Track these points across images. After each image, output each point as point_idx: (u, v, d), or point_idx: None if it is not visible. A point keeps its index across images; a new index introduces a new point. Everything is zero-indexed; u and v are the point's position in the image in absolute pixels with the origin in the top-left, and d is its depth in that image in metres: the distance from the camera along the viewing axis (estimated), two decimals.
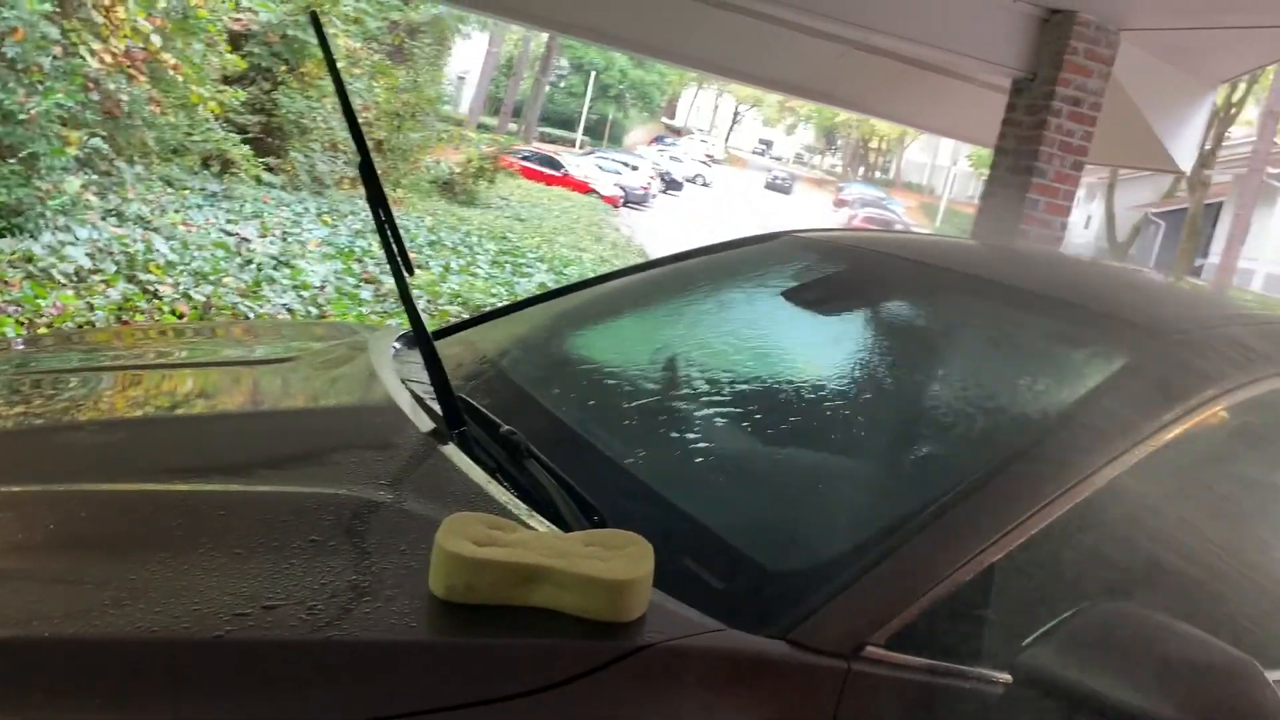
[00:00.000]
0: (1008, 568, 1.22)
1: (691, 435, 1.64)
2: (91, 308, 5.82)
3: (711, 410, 1.70)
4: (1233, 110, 22.98)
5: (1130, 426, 1.32)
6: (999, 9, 5.67)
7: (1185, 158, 6.64)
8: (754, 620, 1.14)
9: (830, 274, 2.07)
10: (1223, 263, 22.90)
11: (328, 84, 13.93)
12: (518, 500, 1.35)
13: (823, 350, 1.87)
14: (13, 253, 6.31)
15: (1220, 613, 1.36)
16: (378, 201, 1.55)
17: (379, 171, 1.59)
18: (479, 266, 11.13)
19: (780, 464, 1.57)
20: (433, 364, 1.50)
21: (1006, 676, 1.18)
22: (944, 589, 1.18)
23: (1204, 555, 1.40)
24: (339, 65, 1.63)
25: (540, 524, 1.29)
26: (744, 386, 1.77)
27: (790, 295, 2.04)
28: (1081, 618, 1.18)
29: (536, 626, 1.06)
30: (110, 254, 6.96)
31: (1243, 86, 21.80)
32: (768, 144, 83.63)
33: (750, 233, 2.43)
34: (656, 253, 19.33)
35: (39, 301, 5.57)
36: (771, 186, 52.88)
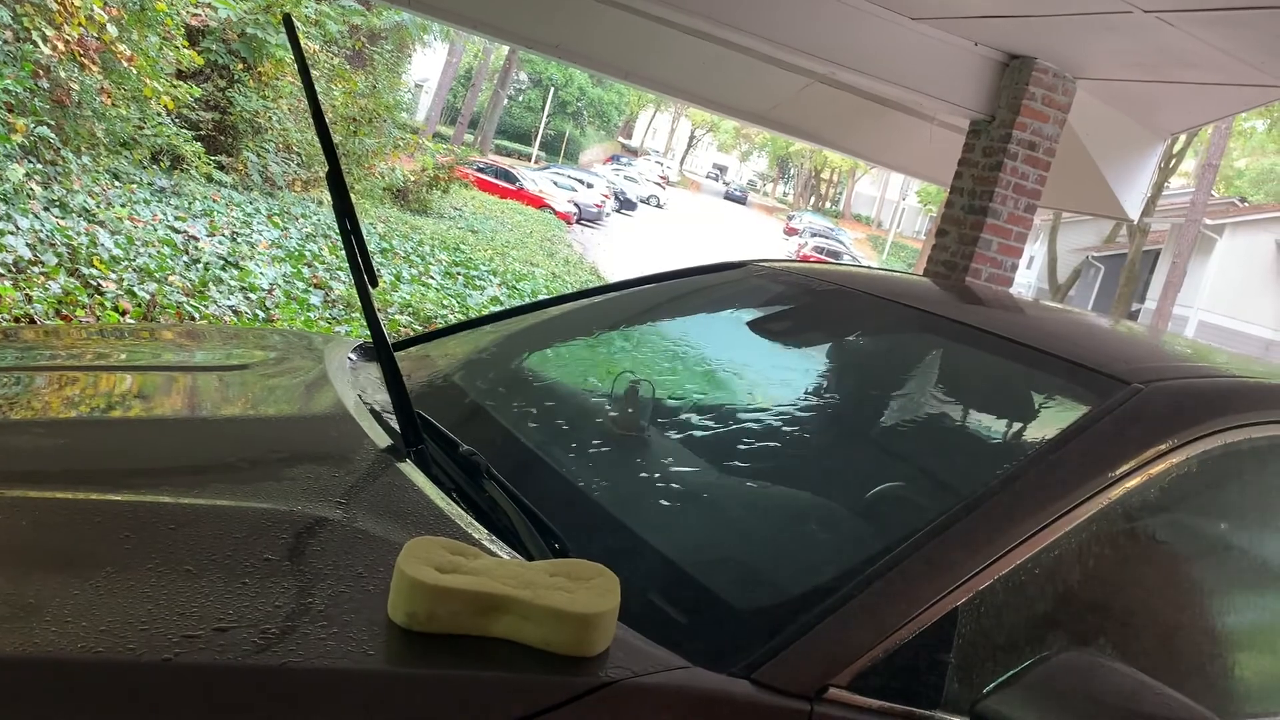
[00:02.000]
0: (972, 611, 1.22)
1: (656, 465, 1.62)
2: (30, 299, 5.65)
3: (677, 441, 1.68)
4: (1172, 162, 23.69)
5: (1095, 473, 1.33)
6: (961, 51, 5.78)
7: (1134, 205, 6.80)
8: (717, 658, 1.12)
9: (795, 307, 2.07)
10: (1159, 308, 23.54)
11: (285, 85, 13.76)
12: (476, 524, 1.32)
13: (790, 384, 1.86)
14: None
15: (1184, 663, 1.37)
16: (345, 211, 1.52)
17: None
18: (431, 277, 11.03)
19: (746, 498, 1.56)
20: (393, 379, 1.47)
21: None
22: (908, 631, 1.18)
23: (1168, 605, 1.42)
24: (306, 69, 1.60)
25: (501, 550, 1.26)
26: (711, 418, 1.76)
27: (756, 327, 2.03)
28: (1044, 666, 1.18)
29: (498, 659, 1.03)
30: (52, 245, 6.77)
31: (1182, 139, 22.49)
32: (722, 169, 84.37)
33: (701, 257, 2.43)
34: (609, 271, 19.36)
35: None
36: (729, 198, 64.98)
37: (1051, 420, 1.55)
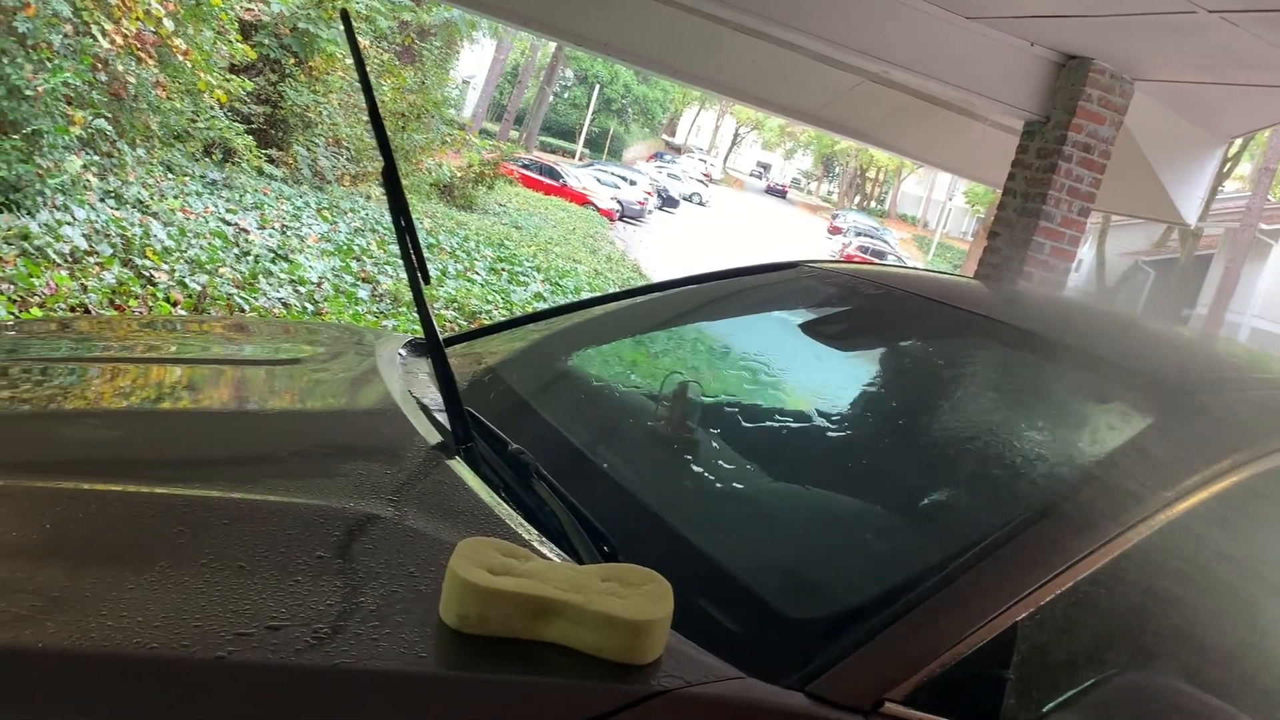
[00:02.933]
0: (1034, 627, 1.18)
1: (707, 468, 1.60)
2: (85, 289, 5.75)
3: (728, 444, 1.66)
4: (1227, 166, 23.20)
5: (1162, 486, 1.29)
6: (1017, 51, 5.69)
7: (1191, 210, 6.66)
8: (771, 669, 1.10)
9: (851, 309, 2.04)
10: (1211, 313, 23.07)
11: (334, 79, 13.89)
12: (525, 524, 1.31)
13: (844, 387, 1.83)
14: (9, 229, 6.23)
15: (1254, 687, 1.33)
16: (399, 209, 1.51)
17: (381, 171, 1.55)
18: (476, 272, 11.08)
19: (799, 504, 1.53)
20: (444, 375, 1.46)
21: None
22: (968, 645, 1.15)
23: (1238, 625, 1.37)
24: (362, 64, 1.60)
25: (550, 551, 1.25)
26: (763, 421, 1.73)
27: (809, 329, 2.00)
28: (1107, 687, 1.15)
29: (549, 664, 1.02)
30: (107, 236, 6.89)
31: (1238, 142, 22.04)
32: (765, 167, 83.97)
33: (744, 256, 2.40)
34: (651, 268, 19.34)
35: (32, 280, 5.50)
36: (770, 191, 67.74)
37: (1116, 427, 1.51)
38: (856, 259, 31.28)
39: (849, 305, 2.06)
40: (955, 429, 1.66)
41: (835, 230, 48.13)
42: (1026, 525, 1.25)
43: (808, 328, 2.02)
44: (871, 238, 44.93)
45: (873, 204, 72.57)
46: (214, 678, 0.91)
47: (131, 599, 0.99)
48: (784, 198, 65.23)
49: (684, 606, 1.11)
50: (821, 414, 1.77)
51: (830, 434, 1.70)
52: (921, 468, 1.58)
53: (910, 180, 68.29)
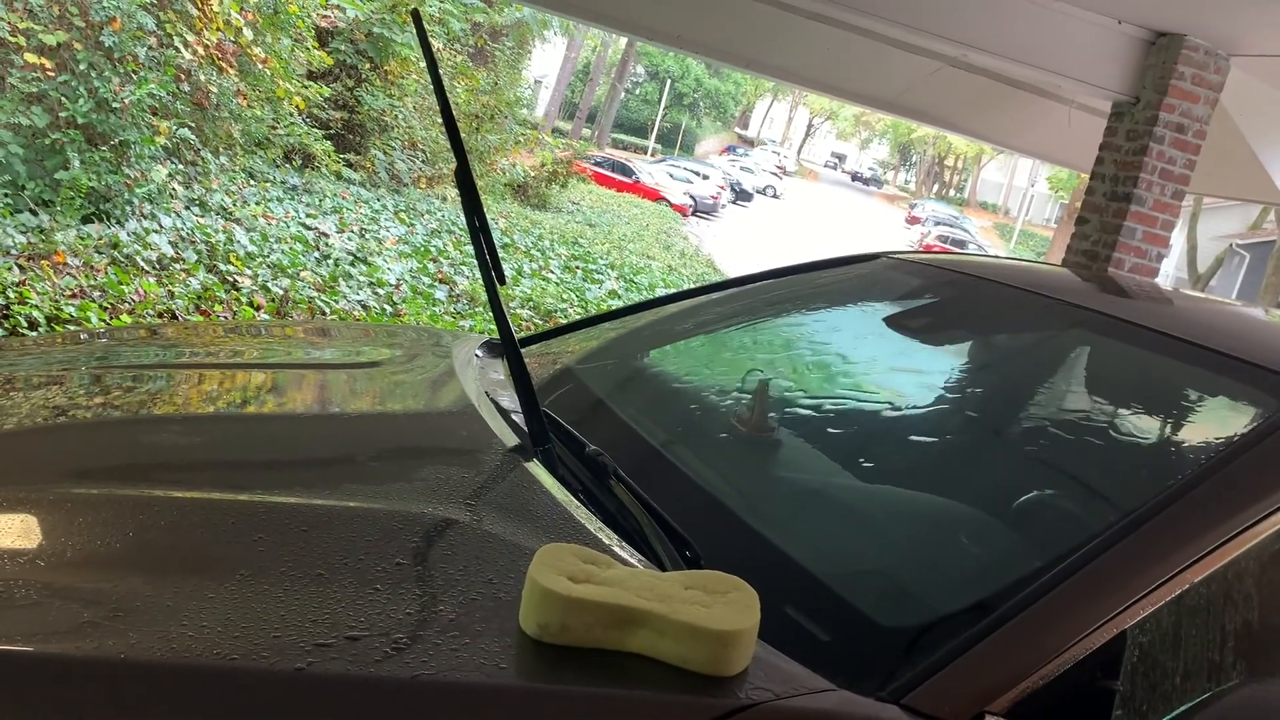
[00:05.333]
0: (1143, 636, 1.11)
1: (792, 470, 1.55)
2: (172, 295, 5.90)
3: (813, 444, 1.61)
4: None
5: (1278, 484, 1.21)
6: (1103, 29, 5.49)
7: None
8: (863, 680, 1.05)
9: (937, 301, 1.97)
10: None
11: (410, 83, 14.09)
12: (605, 528, 1.28)
13: (933, 383, 1.76)
14: (99, 238, 6.43)
15: None
16: (474, 209, 1.49)
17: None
18: (551, 271, 11.13)
19: (890, 507, 1.47)
20: (520, 378, 1.44)
21: None
22: (1072, 656, 1.08)
23: None
24: (434, 65, 1.58)
25: (631, 557, 1.22)
26: (849, 420, 1.68)
27: (893, 323, 1.93)
28: (1224, 700, 1.07)
29: (632, 675, 0.99)
30: (192, 243, 7.07)
31: None
32: (840, 157, 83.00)
33: (818, 248, 2.33)
34: (726, 263, 19.24)
35: (122, 287, 5.66)
36: (858, 178, 69.57)
37: (1225, 423, 1.42)
38: (936, 249, 30.73)
39: (935, 296, 1.99)
40: (1050, 425, 1.58)
41: (913, 220, 47.33)
42: (1134, 526, 1.17)
43: (892, 321, 1.96)
44: (951, 227, 44.08)
45: (951, 192, 71.26)
46: (293, 689, 0.90)
47: (212, 609, 0.98)
48: (877, 187, 65.41)
49: (771, 615, 1.07)
50: (910, 411, 1.70)
51: (916, 431, 1.64)
52: (1020, 466, 1.50)
53: (990, 167, 66.84)
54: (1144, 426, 1.51)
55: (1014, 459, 1.53)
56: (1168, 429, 1.49)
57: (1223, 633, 1.21)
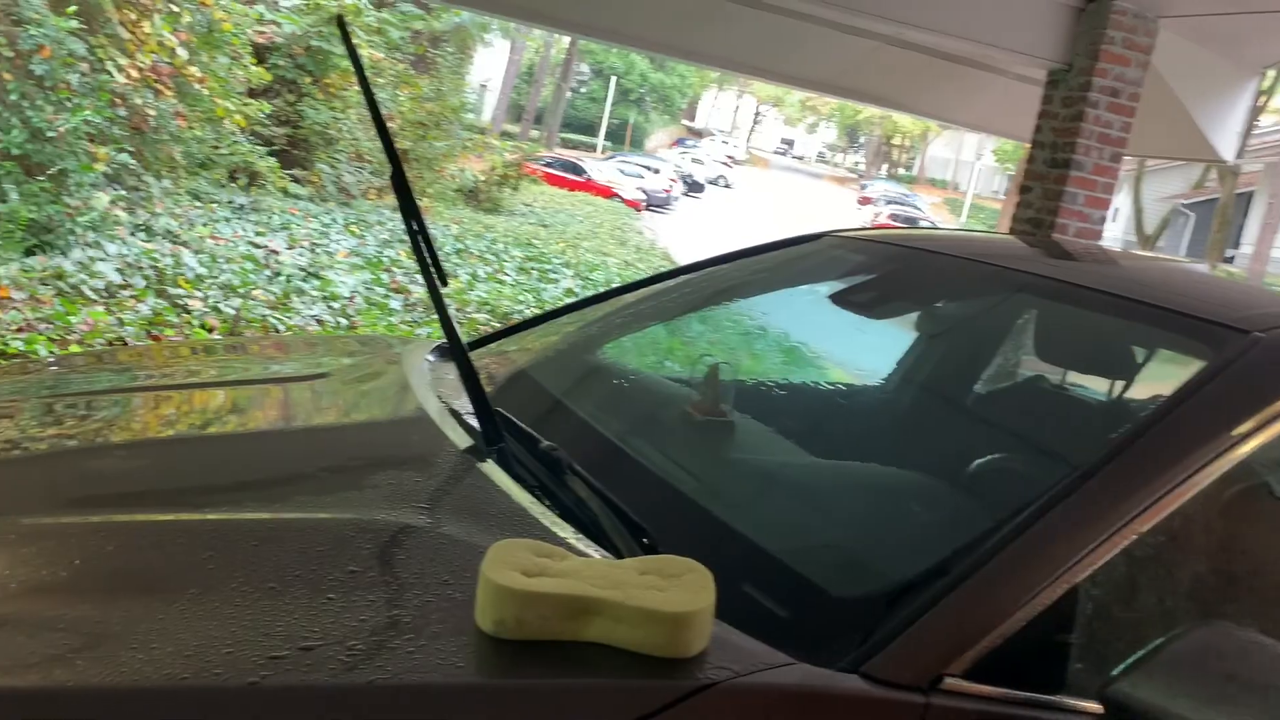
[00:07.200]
0: (1095, 588, 1.13)
1: (744, 451, 1.56)
2: (122, 323, 5.81)
3: (764, 424, 1.61)
4: (1262, 99, 22.61)
5: (1221, 430, 1.23)
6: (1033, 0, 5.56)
7: (1228, 147, 6.47)
8: (822, 652, 1.06)
9: (879, 276, 1.98)
10: (1257, 252, 22.55)
11: (353, 94, 13.96)
12: (561, 521, 1.28)
13: (879, 357, 1.78)
14: (44, 270, 6.31)
15: None
16: (410, 214, 1.48)
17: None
18: (506, 274, 11.09)
19: (840, 480, 1.48)
20: (469, 378, 1.43)
21: (1097, 707, 1.09)
22: (1026, 613, 1.10)
23: None
24: (360, 67, 1.57)
25: (588, 548, 1.22)
26: (798, 398, 1.69)
27: (839, 299, 1.95)
28: (1178, 643, 1.09)
29: (592, 664, 0.99)
30: (140, 269, 6.96)
31: (1271, 75, 21.43)
32: (789, 143, 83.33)
33: (772, 234, 2.34)
34: (681, 255, 19.25)
35: (69, 318, 5.57)
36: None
37: (1164, 376, 1.45)
38: (888, 227, 30.95)
39: (877, 272, 2.00)
40: (994, 389, 1.60)
41: (865, 201, 47.56)
42: (1079, 482, 1.19)
43: (839, 298, 1.97)
44: (902, 204, 44.40)
45: (901, 171, 71.80)
46: (248, 704, 0.89)
47: (162, 630, 0.97)
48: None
49: (730, 594, 1.07)
50: (859, 385, 1.72)
51: (864, 404, 1.65)
52: (963, 432, 1.52)
53: (937, 143, 67.40)
54: (1088, 384, 1.53)
55: (962, 425, 1.55)
56: (1111, 385, 1.52)
57: (1172, 580, 1.23)
